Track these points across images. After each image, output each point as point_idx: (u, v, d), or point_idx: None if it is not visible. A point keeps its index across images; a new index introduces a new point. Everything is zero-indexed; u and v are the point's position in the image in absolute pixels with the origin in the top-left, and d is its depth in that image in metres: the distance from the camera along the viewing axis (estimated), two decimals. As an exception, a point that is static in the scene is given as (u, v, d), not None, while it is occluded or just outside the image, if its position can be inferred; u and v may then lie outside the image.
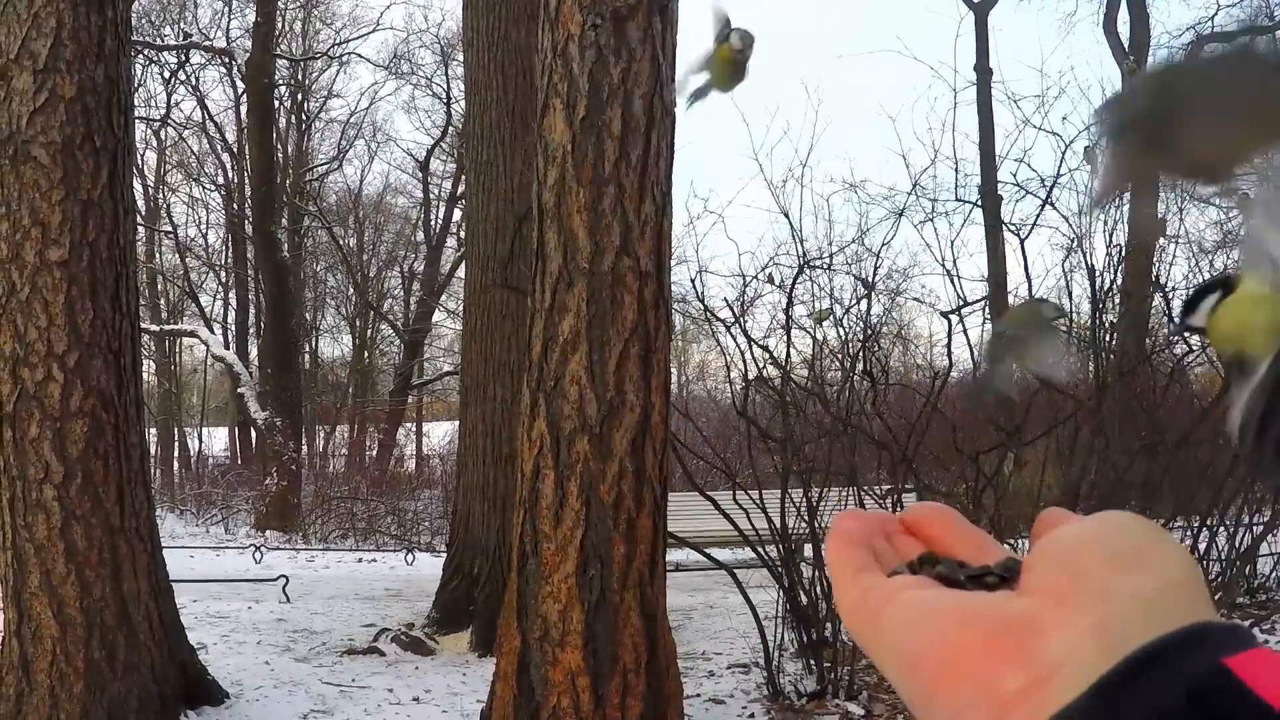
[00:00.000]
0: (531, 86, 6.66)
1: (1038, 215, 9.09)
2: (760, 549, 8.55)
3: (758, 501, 8.69)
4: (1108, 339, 9.21)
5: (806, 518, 8.50)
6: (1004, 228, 10.08)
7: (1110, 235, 9.15)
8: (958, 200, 9.80)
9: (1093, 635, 0.53)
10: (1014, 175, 9.50)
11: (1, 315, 6.88)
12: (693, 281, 10.56)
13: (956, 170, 10.50)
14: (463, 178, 23.17)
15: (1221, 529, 8.30)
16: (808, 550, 8.68)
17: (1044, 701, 0.52)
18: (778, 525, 8.58)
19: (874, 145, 11.43)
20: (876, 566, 0.67)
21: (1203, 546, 7.95)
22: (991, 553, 0.68)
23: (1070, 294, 9.30)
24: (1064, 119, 10.94)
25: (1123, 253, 9.38)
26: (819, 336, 9.84)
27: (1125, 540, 0.58)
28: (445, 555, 11.81)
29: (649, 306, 6.09)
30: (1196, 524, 8.20)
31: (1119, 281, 9.54)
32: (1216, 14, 23.14)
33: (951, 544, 0.71)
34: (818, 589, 8.48)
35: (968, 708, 0.55)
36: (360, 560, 19.31)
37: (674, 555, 13.13)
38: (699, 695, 8.22)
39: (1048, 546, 0.60)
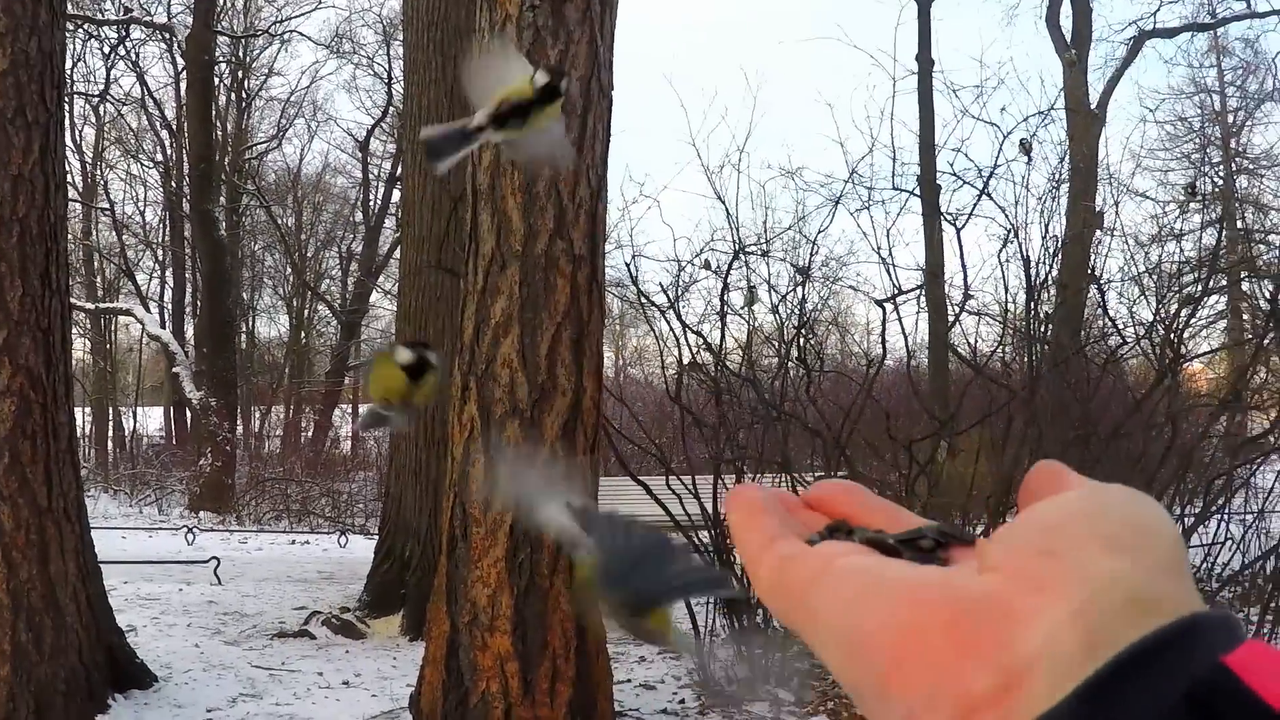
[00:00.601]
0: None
1: (974, 205, 9.13)
2: (693, 535, 8.56)
3: (690, 487, 8.70)
4: (1042, 330, 9.26)
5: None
6: (941, 217, 10.13)
7: (1047, 227, 9.21)
8: (895, 189, 9.84)
9: (1072, 626, 0.47)
10: (951, 165, 9.53)
11: (-71, 293, 6.80)
12: (628, 266, 10.56)
13: (894, 159, 10.56)
14: (401, 158, 23.11)
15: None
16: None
17: (1019, 704, 0.46)
18: (710, 511, 8.59)
19: (812, 133, 11.48)
20: (792, 535, 0.61)
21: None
22: (906, 524, 0.63)
23: (1006, 284, 9.34)
24: (1002, 110, 11.02)
25: (1059, 244, 9.43)
26: (748, 320, 9.85)
27: (1113, 516, 0.53)
28: (378, 538, 11.77)
29: (582, 290, 6.09)
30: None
31: (1054, 273, 9.59)
32: (1159, 9, 23.31)
33: (862, 519, 0.66)
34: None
35: (926, 704, 0.49)
36: (293, 542, 19.25)
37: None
38: (629, 681, 8.23)
39: (1027, 519, 0.55)
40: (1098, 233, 10.95)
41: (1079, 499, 0.55)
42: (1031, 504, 0.58)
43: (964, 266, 9.21)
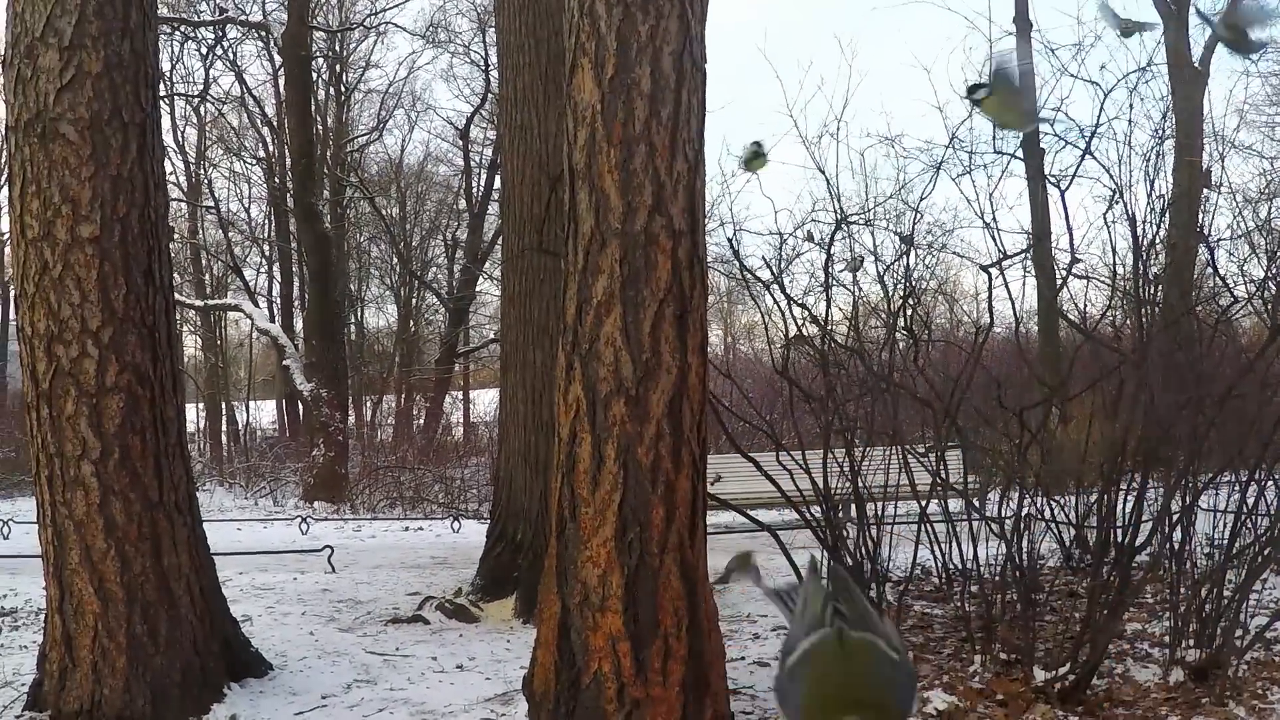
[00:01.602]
0: (562, 48, 6.58)
1: (1077, 166, 8.92)
2: (804, 510, 8.49)
3: (800, 462, 8.62)
4: (1151, 291, 9.08)
5: (850, 477, 8.43)
6: (1045, 180, 9.95)
7: (1152, 185, 9.01)
8: (996, 153, 9.66)
9: None
10: (1051, 125, 9.33)
11: (35, 293, 6.87)
12: (730, 241, 10.47)
13: (994, 122, 10.37)
14: (500, 143, 23.25)
15: (1270, 483, 8.16)
16: (852, 510, 8.62)
17: None
18: (821, 485, 8.52)
19: (910, 99, 11.29)
20: None
21: (1251, 500, 7.82)
22: None
23: (1113, 246, 9.16)
24: (1102, 67, 10.72)
25: (1166, 203, 9.23)
26: (852, 288, 9.74)
27: None
28: (489, 522, 11.78)
29: (683, 266, 6.02)
30: (1245, 478, 8.08)
31: (1162, 233, 9.39)
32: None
33: None
34: (862, 550, 8.43)
35: None
36: (407, 529, 19.35)
37: (722, 518, 13.12)
38: (743, 658, 8.17)
39: None
40: (1205, 190, 10.71)
41: None
42: None
43: (1069, 229, 9.03)
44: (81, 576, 6.76)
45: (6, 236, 35.53)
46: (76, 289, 6.82)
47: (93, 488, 6.79)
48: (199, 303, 32.02)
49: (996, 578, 7.96)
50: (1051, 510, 8.73)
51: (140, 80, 7.19)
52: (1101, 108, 8.63)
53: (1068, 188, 8.87)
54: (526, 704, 6.48)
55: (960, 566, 8.59)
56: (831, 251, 9.30)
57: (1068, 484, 9.44)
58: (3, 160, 41.26)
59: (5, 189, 7.44)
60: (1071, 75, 9.27)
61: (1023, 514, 7.99)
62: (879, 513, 8.60)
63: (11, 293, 7.11)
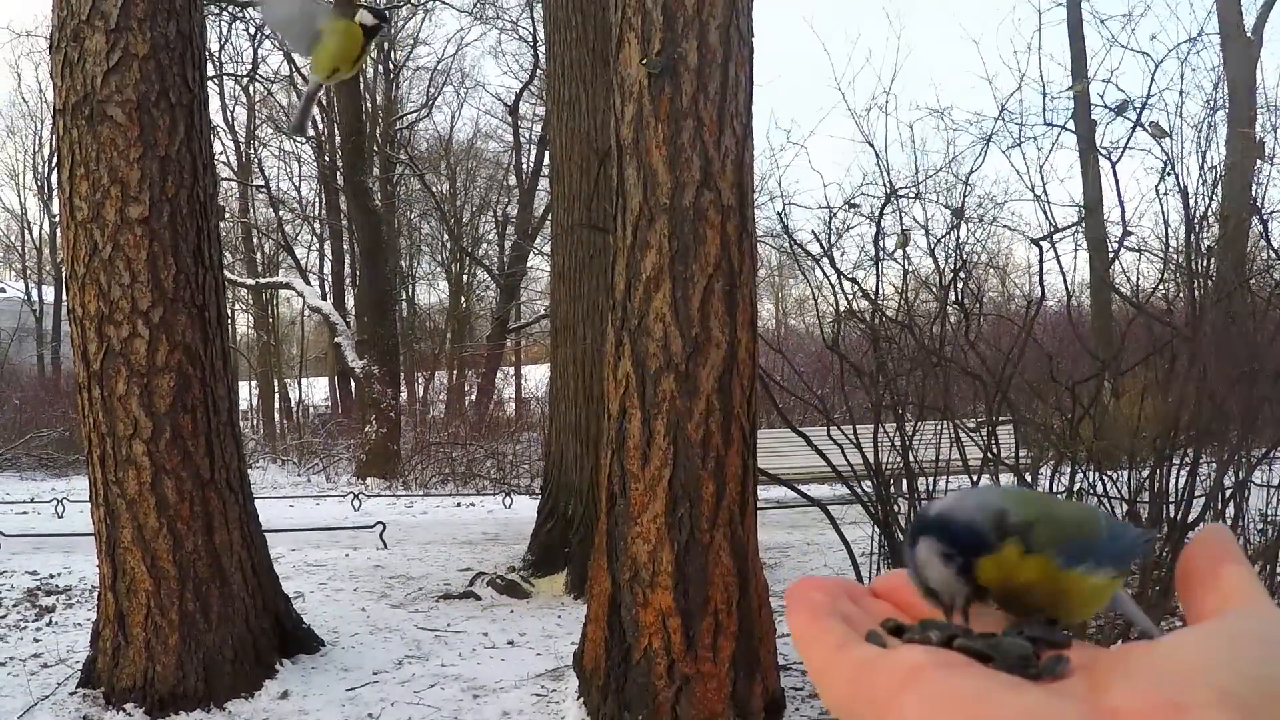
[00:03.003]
0: (609, 23, 6.56)
1: (1128, 138, 8.84)
2: (855, 485, 8.46)
3: (851, 437, 8.59)
4: (1205, 264, 8.99)
5: (901, 452, 8.40)
6: (1095, 151, 9.87)
7: (1204, 157, 8.92)
8: (1047, 124, 9.58)
9: None
10: (1101, 97, 9.24)
11: (85, 274, 6.92)
12: (780, 215, 10.44)
13: (1044, 93, 10.30)
14: (549, 119, 23.21)
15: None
16: (903, 485, 8.59)
17: None
18: (872, 460, 8.49)
19: (959, 71, 11.26)
20: (859, 638, 0.57)
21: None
22: (980, 620, 0.59)
23: (1165, 218, 9.07)
24: (1152, 38, 10.66)
25: (1218, 175, 9.14)
26: (904, 264, 9.69)
27: (1250, 671, 0.46)
28: (540, 498, 11.81)
29: (732, 241, 6.00)
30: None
31: (1215, 205, 9.30)
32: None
33: (933, 612, 0.63)
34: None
35: None
36: (459, 505, 19.42)
37: (773, 493, 13.10)
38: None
39: (1162, 655, 0.49)
40: (1258, 161, 10.60)
41: (1223, 639, 0.49)
42: (1188, 586, 0.55)
43: (1121, 201, 8.97)
44: (134, 554, 6.82)
45: (57, 219, 35.88)
46: (126, 270, 6.87)
47: (144, 466, 6.85)
48: (250, 281, 32.11)
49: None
50: (1104, 485, 8.66)
51: (187, 61, 7.22)
52: (1153, 78, 8.56)
53: (1119, 160, 8.79)
54: (577, 679, 6.50)
55: (1011, 539, 8.53)
56: (881, 225, 9.25)
57: (1120, 459, 9.36)
58: (52, 143, 41.81)
59: (55, 171, 7.45)
60: (1122, 46, 9.20)
61: (1075, 489, 7.94)
62: (930, 488, 8.56)
63: (63, 274, 7.15)
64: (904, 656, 0.53)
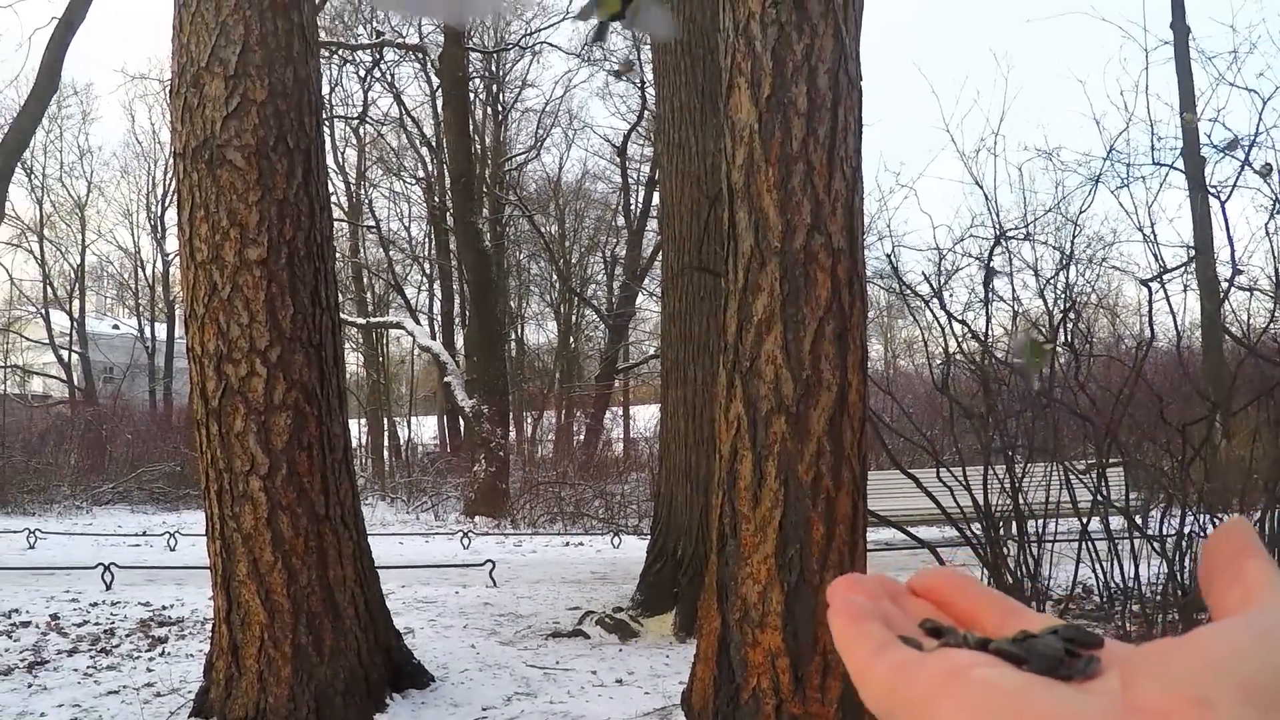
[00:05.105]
0: (718, 68, 6.61)
1: (1237, 176, 8.77)
2: (964, 527, 8.43)
3: (961, 479, 8.56)
4: (1317, 300, 8.89)
5: (1010, 494, 8.35)
6: (1205, 190, 9.78)
7: (1315, 191, 8.82)
8: (1155, 164, 9.52)
9: None
10: (1209, 136, 9.17)
11: (205, 314, 7.05)
12: (889, 257, 10.42)
13: (1152, 133, 10.23)
14: (658, 161, 23.29)
15: None
16: (1012, 528, 8.53)
17: None
18: (981, 502, 8.45)
19: (1066, 111, 11.23)
20: (897, 641, 0.59)
21: None
22: (1018, 620, 0.61)
23: (1276, 257, 8.97)
24: (1260, 75, 10.57)
25: (1331, 212, 9.02)
26: (1011, 305, 9.64)
27: (1277, 664, 0.47)
28: (650, 538, 11.83)
29: (843, 284, 6.01)
30: None
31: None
32: None
33: (970, 610, 0.65)
34: (1023, 568, 8.34)
35: None
36: (567, 544, 19.50)
37: (882, 535, 13.06)
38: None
39: (1192, 650, 0.50)
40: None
41: (1246, 633, 0.50)
42: (1211, 582, 0.56)
43: (1231, 240, 8.88)
44: (249, 588, 6.92)
45: (176, 258, 36.43)
46: (245, 310, 6.99)
47: (261, 502, 6.95)
48: (361, 320, 32.48)
49: (1158, 597, 7.83)
50: (1215, 528, 8.58)
51: (304, 106, 7.37)
52: (1260, 116, 8.48)
53: (1228, 198, 8.72)
54: (685, 719, 6.49)
55: (1122, 585, 8.47)
56: (991, 266, 9.22)
57: (1231, 501, 9.25)
58: (165, 183, 42.53)
59: (176, 213, 7.60)
60: (1229, 83, 9.12)
61: (1185, 532, 7.86)
62: (1039, 530, 8.51)
63: (180, 312, 7.29)
64: (941, 659, 0.56)
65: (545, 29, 35.57)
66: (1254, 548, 0.56)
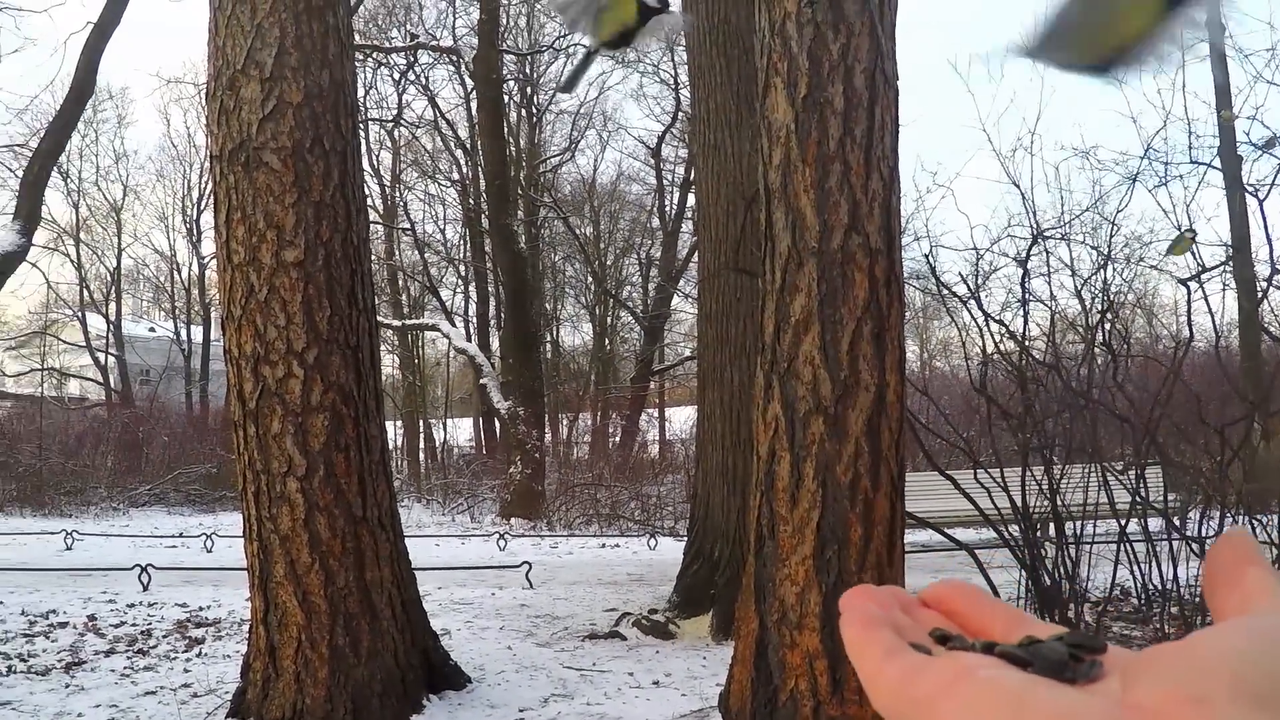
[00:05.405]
0: (753, 68, 6.59)
1: (1275, 174, 8.73)
2: (1002, 528, 8.39)
3: (998, 480, 8.51)
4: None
5: (1048, 496, 8.31)
6: (1243, 189, 9.72)
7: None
8: (1192, 162, 9.47)
9: None
10: (1247, 134, 9.11)
11: (242, 316, 7.06)
12: (926, 257, 10.39)
13: (1189, 131, 10.17)
14: (693, 163, 23.25)
15: None
16: (1050, 529, 8.49)
17: None
18: (1019, 504, 8.41)
19: (1103, 110, 11.18)
20: (907, 646, 0.61)
21: None
22: (1026, 629, 0.63)
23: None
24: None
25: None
26: (1050, 305, 9.58)
27: (1273, 666, 0.48)
28: (686, 539, 11.82)
29: (880, 284, 5.98)
30: None
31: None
32: None
33: (979, 621, 0.67)
34: (1060, 570, 8.29)
35: None
36: (603, 546, 19.51)
37: (919, 536, 13.00)
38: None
39: (1190, 652, 0.51)
40: None
41: (1243, 635, 0.51)
42: (1212, 589, 0.57)
43: (1269, 239, 8.81)
44: (286, 589, 6.94)
45: (211, 261, 36.55)
46: (282, 311, 7.01)
47: (298, 503, 6.97)
48: (397, 323, 32.54)
49: (1197, 599, 7.78)
50: (1254, 529, 8.51)
51: (340, 109, 7.38)
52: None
53: (1266, 196, 8.66)
54: (722, 720, 6.48)
55: (1160, 587, 8.42)
56: (1028, 266, 9.18)
57: (1271, 502, 9.20)
58: (201, 186, 42.72)
59: (213, 216, 7.62)
60: (1267, 81, 9.06)
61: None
62: (1077, 532, 8.46)
63: (216, 315, 7.30)
64: (948, 661, 0.57)
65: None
66: (1254, 556, 0.58)
